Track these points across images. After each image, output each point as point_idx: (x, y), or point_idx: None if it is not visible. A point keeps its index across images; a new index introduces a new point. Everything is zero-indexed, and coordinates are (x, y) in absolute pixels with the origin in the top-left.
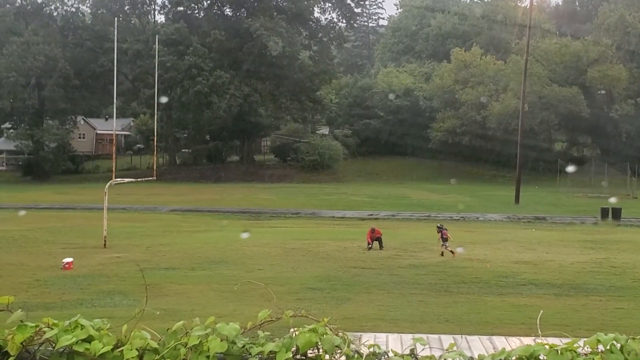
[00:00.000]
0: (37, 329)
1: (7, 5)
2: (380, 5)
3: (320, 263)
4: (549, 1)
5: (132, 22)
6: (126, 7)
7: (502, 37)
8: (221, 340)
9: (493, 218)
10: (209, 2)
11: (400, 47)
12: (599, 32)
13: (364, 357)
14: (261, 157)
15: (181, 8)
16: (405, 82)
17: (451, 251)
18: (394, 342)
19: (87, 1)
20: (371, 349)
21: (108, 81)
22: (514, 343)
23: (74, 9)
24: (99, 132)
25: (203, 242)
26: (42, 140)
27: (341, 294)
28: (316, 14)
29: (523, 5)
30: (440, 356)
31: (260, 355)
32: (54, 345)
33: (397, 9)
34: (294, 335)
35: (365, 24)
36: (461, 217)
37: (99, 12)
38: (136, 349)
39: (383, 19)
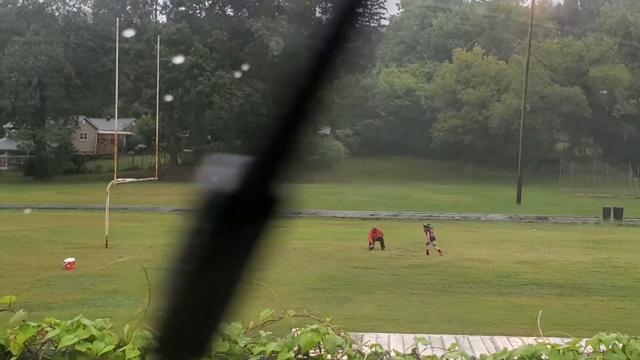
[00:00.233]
0: (40, 328)
1: (9, 5)
2: (382, 5)
3: (321, 263)
4: (550, 1)
5: (134, 22)
6: (128, 7)
7: (503, 37)
8: (223, 340)
9: (495, 218)
10: (210, 2)
11: (402, 47)
12: (601, 32)
13: (365, 356)
14: None
15: (183, 8)
16: (407, 82)
17: (438, 250)
18: (396, 342)
19: (89, 1)
20: (373, 349)
21: (110, 81)
22: (516, 343)
23: (75, 9)
24: (100, 132)
25: None
26: (44, 140)
27: (343, 293)
28: (317, 14)
29: (525, 5)
30: (442, 356)
31: (262, 355)
32: (56, 344)
33: (399, 9)
34: (295, 335)
35: (367, 24)
36: (463, 217)
37: (101, 12)
38: (138, 348)
39: (385, 19)
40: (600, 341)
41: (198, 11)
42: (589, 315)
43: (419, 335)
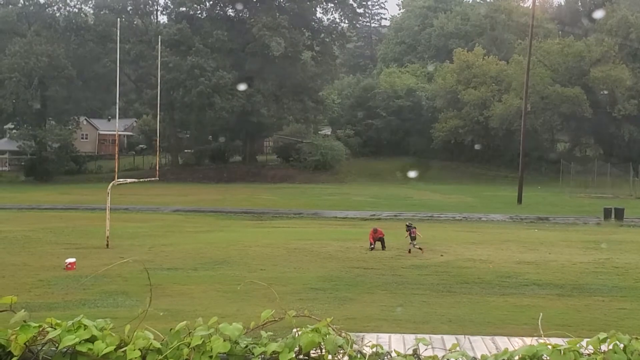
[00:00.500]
0: (40, 329)
1: (10, 6)
2: (382, 5)
3: (322, 263)
4: (551, 1)
5: (135, 22)
6: (129, 8)
7: (504, 37)
8: (224, 341)
9: (495, 218)
10: (211, 2)
11: (403, 47)
12: (602, 32)
13: (366, 357)
14: (263, 158)
15: (183, 9)
16: (408, 83)
17: (419, 248)
18: (397, 342)
19: (90, 2)
20: (374, 349)
21: (111, 82)
22: (517, 343)
23: (76, 10)
24: (101, 132)
25: (206, 242)
26: (45, 141)
27: (344, 294)
28: (318, 15)
29: (526, 5)
30: (443, 356)
31: (263, 356)
32: (57, 345)
33: (400, 9)
34: (296, 335)
35: (368, 24)
36: (464, 218)
37: (102, 12)
38: (139, 349)
39: (385, 19)
40: (601, 341)
41: (199, 12)
42: (589, 315)
43: (419, 336)
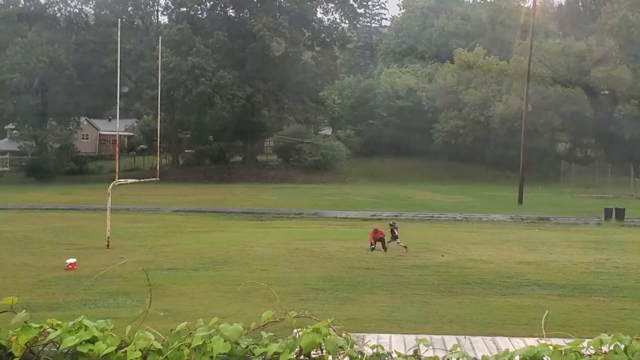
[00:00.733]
0: (41, 329)
1: (11, 7)
2: (383, 6)
3: (323, 263)
4: (552, 2)
5: (136, 23)
6: (129, 8)
7: (505, 38)
8: (225, 341)
9: (496, 218)
10: (212, 3)
11: (403, 47)
12: (602, 33)
13: (367, 357)
14: (264, 158)
15: (184, 9)
16: (408, 83)
17: (404, 246)
18: (397, 343)
19: (91, 2)
20: (374, 350)
21: (111, 82)
22: (518, 344)
23: (77, 10)
24: (102, 132)
25: (206, 242)
26: (46, 141)
27: (344, 294)
28: (319, 15)
29: (526, 5)
30: (444, 357)
31: (263, 356)
32: (58, 346)
33: (400, 10)
34: (297, 335)
35: (368, 24)
36: (464, 218)
37: (102, 13)
38: (140, 349)
39: (386, 19)
40: (602, 342)
41: (199, 12)
42: (590, 316)
43: (420, 336)
